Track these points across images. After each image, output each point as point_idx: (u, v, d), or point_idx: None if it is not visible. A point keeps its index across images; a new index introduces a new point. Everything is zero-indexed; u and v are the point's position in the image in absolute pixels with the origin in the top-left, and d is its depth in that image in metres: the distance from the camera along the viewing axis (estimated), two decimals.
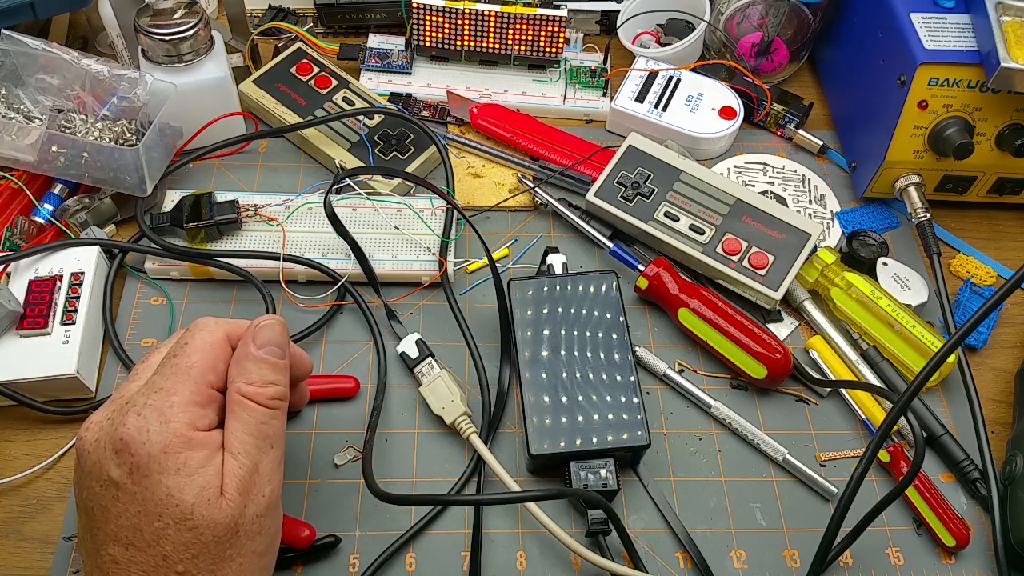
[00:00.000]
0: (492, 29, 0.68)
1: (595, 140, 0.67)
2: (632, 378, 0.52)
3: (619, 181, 0.62)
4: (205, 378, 0.38)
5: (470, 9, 0.67)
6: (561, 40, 0.69)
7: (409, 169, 0.63)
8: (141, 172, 0.57)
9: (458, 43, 0.70)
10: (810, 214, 0.65)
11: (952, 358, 0.54)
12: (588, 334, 0.53)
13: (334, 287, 0.57)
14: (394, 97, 0.69)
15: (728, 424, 0.54)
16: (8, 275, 0.54)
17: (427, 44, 0.70)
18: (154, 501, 0.35)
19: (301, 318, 0.57)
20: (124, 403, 0.37)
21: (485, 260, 0.58)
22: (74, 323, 0.52)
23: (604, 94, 0.71)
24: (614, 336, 0.53)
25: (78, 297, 0.54)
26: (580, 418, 0.50)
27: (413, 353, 0.54)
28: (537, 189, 0.63)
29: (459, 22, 0.68)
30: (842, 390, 0.56)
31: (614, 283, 0.55)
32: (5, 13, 0.59)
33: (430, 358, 0.54)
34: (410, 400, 0.54)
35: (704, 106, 0.68)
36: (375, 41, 0.72)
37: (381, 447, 0.53)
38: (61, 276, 0.54)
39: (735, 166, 0.67)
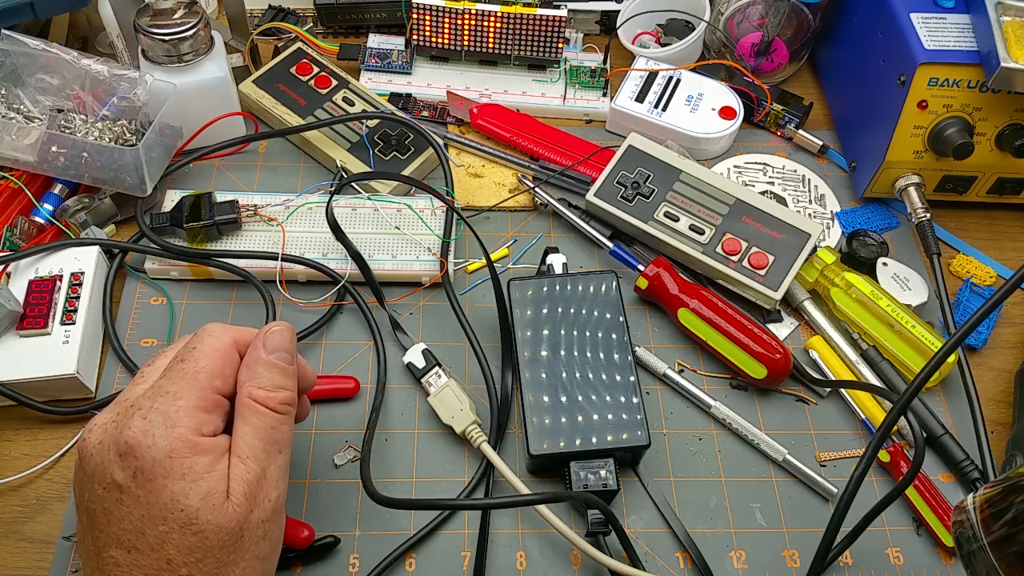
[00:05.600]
0: (492, 29, 0.68)
1: (595, 140, 0.67)
2: (632, 378, 0.52)
3: (619, 181, 0.62)
4: (212, 383, 0.38)
5: (470, 9, 0.67)
6: (560, 40, 0.69)
7: (409, 169, 0.63)
8: (141, 172, 0.57)
9: (458, 43, 0.70)
10: (810, 214, 0.65)
11: (952, 358, 0.54)
12: (588, 334, 0.53)
13: (335, 288, 0.57)
14: (394, 97, 0.69)
15: (728, 424, 0.54)
16: (8, 275, 0.54)
17: (427, 44, 0.70)
18: (158, 505, 0.35)
19: (301, 318, 0.57)
20: (129, 406, 0.37)
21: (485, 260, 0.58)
22: (74, 323, 0.52)
23: (604, 94, 0.71)
24: (614, 336, 0.53)
25: (78, 297, 0.54)
26: (580, 418, 0.50)
27: (420, 363, 0.54)
28: (537, 189, 0.63)
29: (459, 22, 0.68)
30: (842, 390, 0.56)
31: (614, 283, 0.55)
32: (5, 13, 0.59)
33: (437, 367, 0.54)
34: (410, 400, 0.55)
35: (704, 106, 0.68)
36: (375, 41, 0.72)
37: (381, 447, 0.53)
38: (61, 276, 0.54)
39: (735, 166, 0.67)
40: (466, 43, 0.69)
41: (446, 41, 0.69)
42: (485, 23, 0.68)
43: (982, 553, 0.37)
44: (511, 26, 0.68)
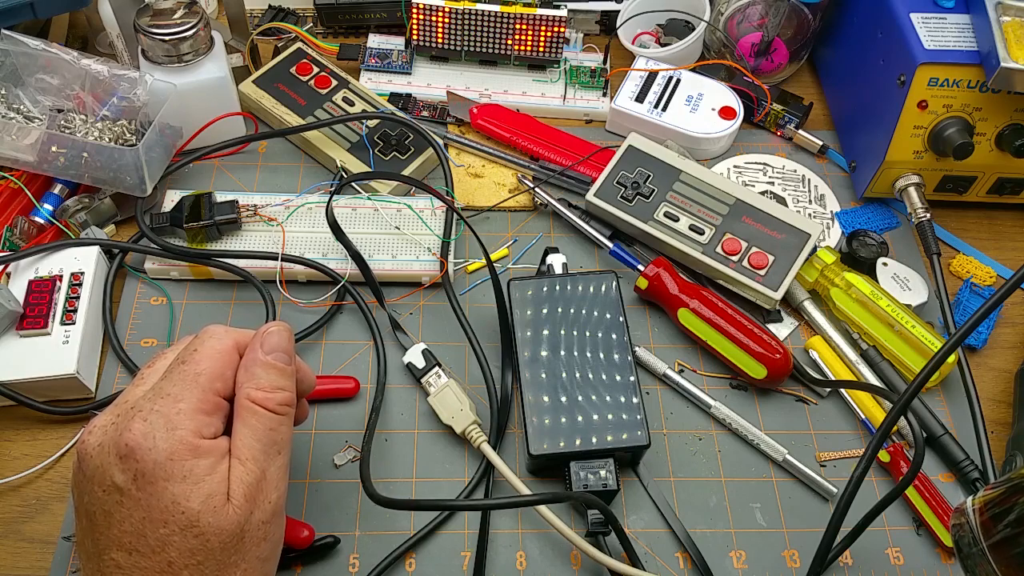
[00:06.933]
0: (492, 29, 0.68)
1: (595, 140, 0.67)
2: (632, 378, 0.52)
3: (619, 181, 0.62)
4: (213, 386, 0.38)
5: (470, 9, 0.67)
6: (560, 40, 0.69)
7: (409, 170, 0.63)
8: (141, 172, 0.57)
9: (458, 43, 0.70)
10: (810, 214, 0.65)
11: (952, 358, 0.54)
12: (588, 334, 0.53)
13: (335, 288, 0.57)
14: (394, 97, 0.69)
15: (728, 424, 0.54)
16: (8, 275, 0.54)
17: (427, 44, 0.70)
18: (159, 508, 0.35)
19: (301, 318, 0.57)
20: (129, 408, 0.37)
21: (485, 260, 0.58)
22: (74, 323, 0.52)
23: (604, 94, 0.71)
24: (614, 336, 0.53)
25: (78, 297, 0.54)
26: (580, 418, 0.50)
27: (420, 363, 0.54)
28: (537, 189, 0.63)
29: (459, 22, 0.68)
30: (842, 390, 0.56)
31: (614, 283, 0.55)
32: (5, 13, 0.59)
33: (437, 367, 0.54)
34: (410, 400, 0.55)
35: (704, 106, 0.68)
36: (375, 41, 0.72)
37: (381, 447, 0.53)
38: (61, 276, 0.54)
39: (735, 166, 0.67)
40: (466, 43, 0.69)
41: (446, 41, 0.70)
42: (485, 23, 0.68)
43: (981, 556, 0.37)
44: (511, 26, 0.68)
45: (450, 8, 0.67)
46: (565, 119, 0.71)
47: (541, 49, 0.69)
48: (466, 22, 0.68)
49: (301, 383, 0.42)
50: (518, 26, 0.68)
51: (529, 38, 0.69)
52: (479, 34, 0.69)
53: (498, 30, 0.68)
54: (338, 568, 0.48)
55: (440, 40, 0.69)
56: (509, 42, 0.69)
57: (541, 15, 0.67)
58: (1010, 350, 0.60)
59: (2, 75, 0.58)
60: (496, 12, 0.67)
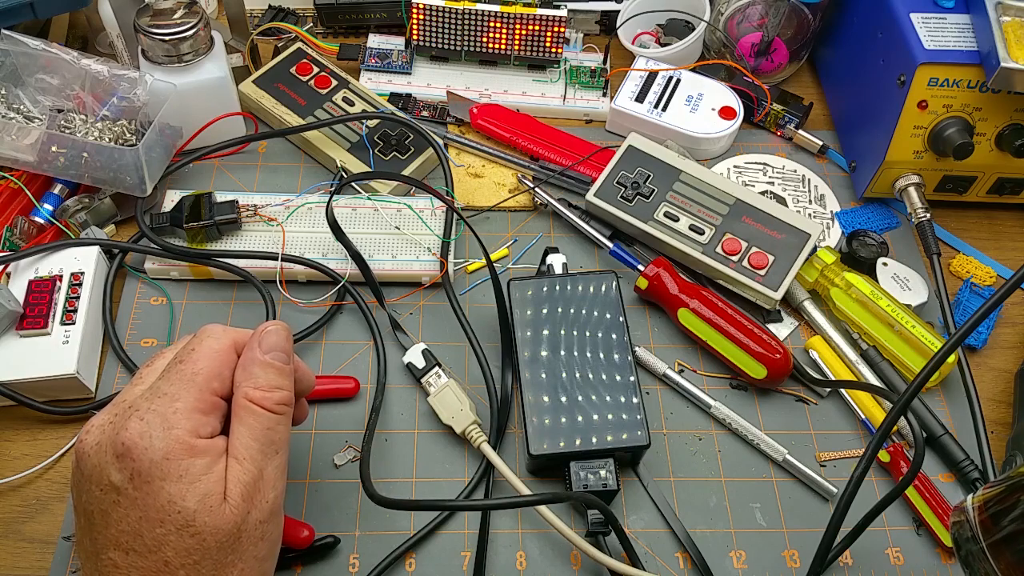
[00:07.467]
0: (492, 29, 0.68)
1: (595, 140, 0.67)
2: (632, 378, 0.52)
3: (619, 181, 0.62)
4: (210, 385, 0.38)
5: (470, 9, 0.67)
6: (560, 40, 0.69)
7: (409, 170, 0.63)
8: (141, 172, 0.57)
9: (458, 43, 0.70)
10: (810, 214, 0.65)
11: (952, 358, 0.54)
12: (588, 334, 0.53)
13: (335, 288, 0.57)
14: (394, 97, 0.69)
15: (728, 424, 0.54)
16: (8, 275, 0.54)
17: (427, 44, 0.70)
18: (155, 507, 0.35)
19: (301, 318, 0.57)
20: (127, 407, 0.37)
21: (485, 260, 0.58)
22: (74, 323, 0.52)
23: (604, 94, 0.71)
24: (614, 336, 0.53)
25: (78, 297, 0.54)
26: (580, 418, 0.50)
27: (420, 363, 0.54)
28: (537, 189, 0.63)
29: (459, 22, 0.68)
30: (842, 390, 0.56)
31: (614, 283, 0.55)
32: (5, 13, 0.59)
33: (437, 367, 0.54)
34: (410, 400, 0.55)
35: (704, 106, 0.68)
36: (375, 41, 0.72)
37: (381, 447, 0.53)
38: (61, 276, 0.54)
39: (735, 166, 0.67)
40: (466, 43, 0.69)
41: (446, 41, 0.69)
42: (485, 23, 0.68)
43: (981, 555, 0.37)
44: (511, 26, 0.68)
45: (450, 8, 0.67)
46: (565, 119, 0.71)
47: (541, 49, 0.69)
48: (466, 22, 0.68)
49: (300, 383, 0.42)
50: (518, 26, 0.68)
51: (529, 38, 0.69)
52: (479, 34, 0.69)
53: (498, 30, 0.68)
54: (338, 568, 0.48)
55: (440, 40, 0.69)
56: (509, 42, 0.69)
57: (541, 15, 0.67)
58: (1010, 350, 0.60)
59: (2, 75, 0.58)
60: (496, 12, 0.67)
